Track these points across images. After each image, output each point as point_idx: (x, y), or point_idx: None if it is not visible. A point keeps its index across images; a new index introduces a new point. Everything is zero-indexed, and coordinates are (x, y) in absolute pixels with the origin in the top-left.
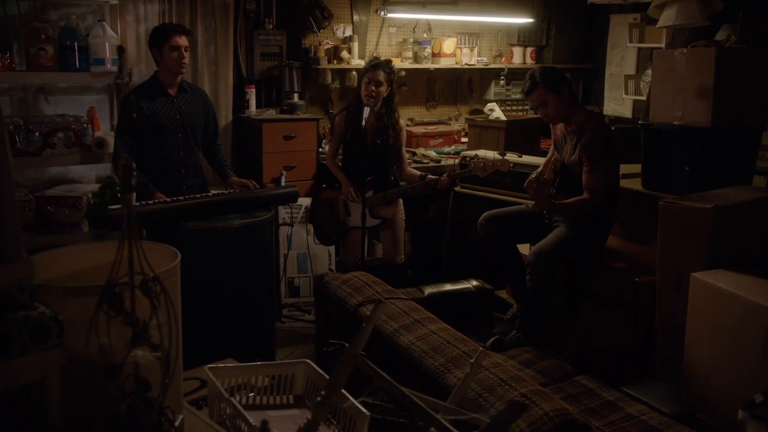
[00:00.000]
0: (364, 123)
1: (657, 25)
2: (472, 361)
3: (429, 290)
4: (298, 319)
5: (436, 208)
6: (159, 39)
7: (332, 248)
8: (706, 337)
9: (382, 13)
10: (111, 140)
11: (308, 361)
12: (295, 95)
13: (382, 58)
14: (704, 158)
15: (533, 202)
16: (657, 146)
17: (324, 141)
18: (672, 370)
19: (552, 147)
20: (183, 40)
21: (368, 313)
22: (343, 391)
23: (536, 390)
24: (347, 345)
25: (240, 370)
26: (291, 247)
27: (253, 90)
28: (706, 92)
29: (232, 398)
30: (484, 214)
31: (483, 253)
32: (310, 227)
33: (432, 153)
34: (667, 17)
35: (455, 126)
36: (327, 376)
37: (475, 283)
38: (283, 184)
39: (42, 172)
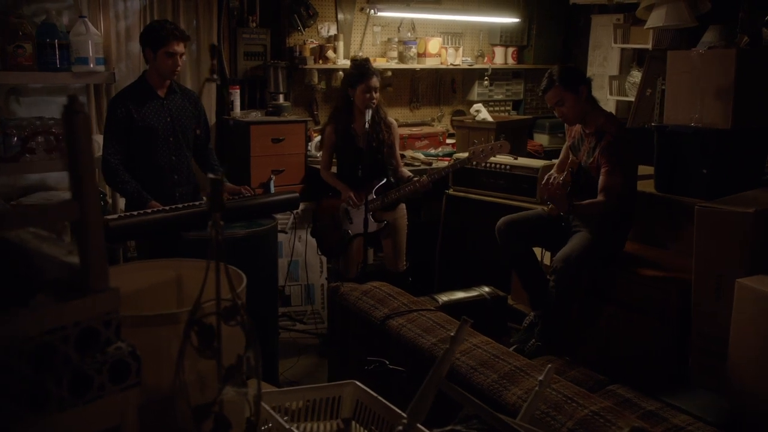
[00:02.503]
0: (367, 126)
1: (645, 26)
2: (540, 378)
3: (442, 299)
4: (291, 329)
5: (427, 212)
6: (155, 41)
7: (325, 261)
8: (752, 344)
9: (372, 11)
10: (96, 146)
11: (356, 382)
12: (281, 96)
13: (360, 58)
14: (722, 161)
15: (549, 206)
16: (671, 148)
17: (310, 144)
18: (710, 377)
19: (564, 148)
20: (180, 47)
21: (398, 327)
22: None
23: (608, 407)
24: (387, 363)
25: (287, 394)
26: (281, 254)
27: (238, 91)
28: (725, 94)
29: (293, 429)
30: (503, 219)
31: (478, 259)
32: (301, 234)
33: (420, 155)
34: (656, 18)
35: (438, 127)
36: (380, 398)
37: (487, 289)
38: (272, 188)
39: (16, 179)
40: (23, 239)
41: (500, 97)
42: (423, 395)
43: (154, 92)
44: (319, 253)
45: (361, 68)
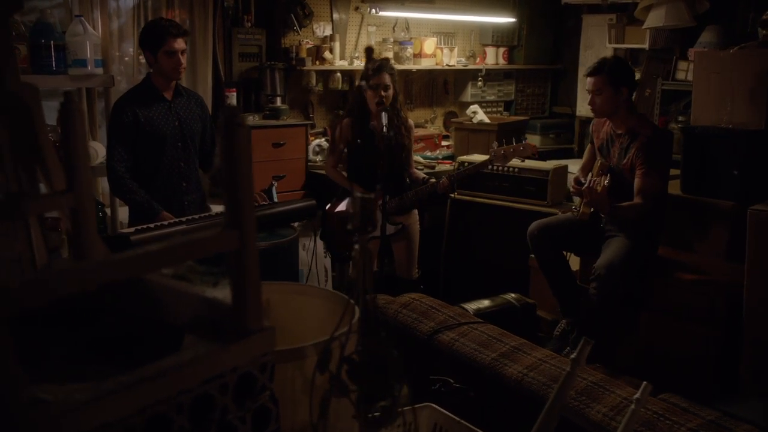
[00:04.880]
0: (385, 130)
1: (644, 26)
2: (637, 396)
3: (471, 307)
4: None
5: (431, 218)
6: (152, 42)
7: (329, 263)
8: None
9: (373, 10)
10: (93, 153)
11: (433, 404)
12: (278, 99)
13: (380, 57)
14: (754, 161)
15: (581, 210)
16: (699, 149)
17: (308, 148)
18: (765, 384)
19: (587, 150)
20: (180, 44)
21: (449, 342)
22: None
23: (703, 424)
24: (452, 381)
25: None
26: None
27: (234, 94)
28: (758, 94)
29: None
30: (535, 224)
31: (486, 264)
32: (305, 242)
33: (420, 158)
34: (656, 18)
35: (433, 130)
36: (463, 422)
37: (513, 295)
38: (275, 196)
39: None
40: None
41: (492, 97)
42: (545, 424)
43: (160, 95)
44: (327, 256)
45: (373, 63)
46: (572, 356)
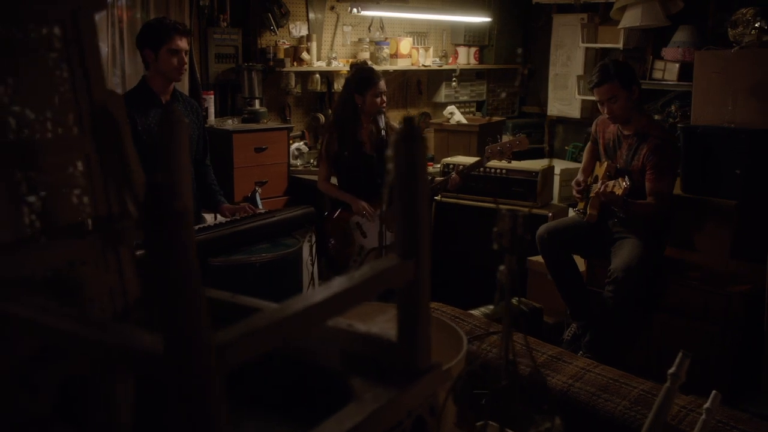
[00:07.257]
0: (383, 133)
1: (620, 26)
2: (707, 405)
3: (478, 313)
4: None
5: None
6: (155, 39)
7: (315, 271)
8: None
9: (354, 10)
10: None
11: (493, 423)
12: (256, 101)
13: (360, 62)
14: (756, 160)
15: (588, 213)
16: (700, 149)
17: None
18: None
19: (587, 151)
20: (184, 43)
21: (483, 353)
22: None
23: None
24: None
25: None
26: None
27: (212, 96)
28: (761, 93)
29: None
30: (543, 227)
31: (473, 268)
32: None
33: None
34: (631, 18)
35: None
36: None
37: (517, 299)
38: (259, 202)
39: None
40: None
41: (465, 98)
42: None
43: (157, 99)
44: (314, 264)
45: (368, 72)
46: (671, 371)
